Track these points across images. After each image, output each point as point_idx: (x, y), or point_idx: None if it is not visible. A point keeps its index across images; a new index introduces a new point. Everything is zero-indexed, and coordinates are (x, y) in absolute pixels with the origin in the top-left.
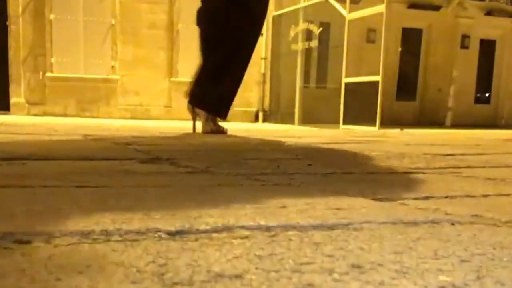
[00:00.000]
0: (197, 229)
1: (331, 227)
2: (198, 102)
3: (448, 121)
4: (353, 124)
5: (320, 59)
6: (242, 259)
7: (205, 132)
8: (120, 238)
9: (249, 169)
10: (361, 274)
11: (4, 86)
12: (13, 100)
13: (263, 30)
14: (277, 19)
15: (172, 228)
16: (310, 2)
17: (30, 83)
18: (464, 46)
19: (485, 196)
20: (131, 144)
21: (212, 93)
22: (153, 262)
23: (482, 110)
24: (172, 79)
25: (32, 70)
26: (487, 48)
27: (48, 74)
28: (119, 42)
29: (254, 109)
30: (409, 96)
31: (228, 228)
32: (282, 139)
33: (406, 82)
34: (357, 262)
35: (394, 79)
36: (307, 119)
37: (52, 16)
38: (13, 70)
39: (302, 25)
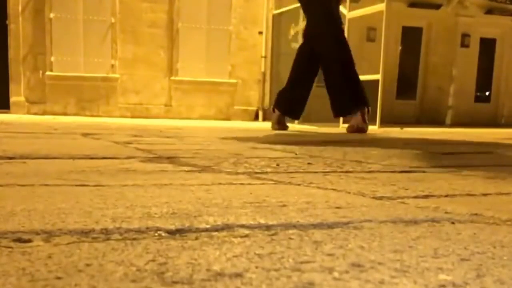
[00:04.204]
0: (197, 228)
1: (331, 226)
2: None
3: (448, 120)
4: None
5: None
6: (242, 258)
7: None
8: (120, 237)
9: (249, 168)
10: (361, 272)
11: (4, 85)
12: (13, 99)
13: (263, 29)
14: (277, 18)
15: (172, 227)
16: None
17: (30, 82)
18: (464, 44)
19: (485, 195)
20: (131, 143)
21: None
22: (153, 261)
23: (482, 109)
24: (172, 78)
25: (32, 69)
26: (487, 46)
27: (48, 72)
28: (119, 41)
29: (254, 108)
30: (409, 94)
31: (228, 227)
32: (282, 138)
33: (406, 81)
34: (357, 261)
35: (394, 77)
36: (307, 117)
37: (52, 15)
38: (13, 69)
39: (302, 24)
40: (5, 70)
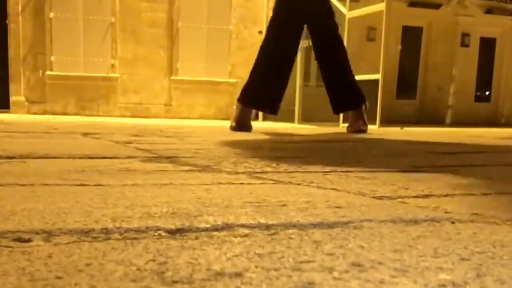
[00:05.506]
0: (197, 228)
1: (331, 226)
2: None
3: (448, 120)
4: None
5: None
6: (242, 257)
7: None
8: (120, 237)
9: (249, 167)
10: (361, 272)
11: (4, 85)
12: (13, 98)
13: (263, 29)
14: None
15: (172, 227)
16: None
17: (30, 82)
18: (464, 44)
19: (485, 194)
20: (131, 143)
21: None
22: (153, 260)
23: (482, 108)
24: (172, 77)
25: (32, 68)
26: (487, 46)
27: (48, 72)
28: (119, 41)
29: None
30: (409, 94)
31: (228, 227)
32: (282, 138)
33: (406, 81)
34: (357, 260)
35: (394, 77)
36: (307, 117)
37: (52, 14)
38: (13, 69)
39: None
40: (5, 69)
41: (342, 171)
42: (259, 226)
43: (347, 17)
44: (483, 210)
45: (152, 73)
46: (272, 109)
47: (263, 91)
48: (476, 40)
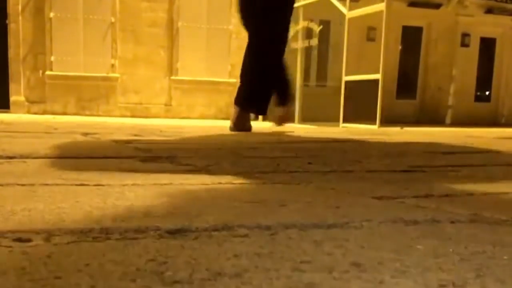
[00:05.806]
0: (197, 227)
1: (331, 226)
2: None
3: (448, 120)
4: (353, 123)
5: (320, 57)
6: (242, 257)
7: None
8: (120, 236)
9: (249, 167)
10: (361, 272)
11: (4, 85)
12: (13, 98)
13: None
14: None
15: (172, 227)
16: (310, 0)
17: (30, 82)
18: (464, 44)
19: (485, 194)
20: (131, 143)
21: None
22: (153, 260)
23: (482, 108)
24: (172, 77)
25: (32, 68)
26: (487, 46)
27: (48, 72)
28: (119, 40)
29: None
30: (409, 94)
31: (228, 227)
32: (282, 138)
33: (406, 81)
34: (357, 260)
35: (394, 77)
36: (307, 117)
37: (52, 14)
38: (13, 69)
39: (302, 23)
40: (5, 69)
41: (342, 171)
42: (259, 226)
43: (347, 17)
44: (483, 210)
45: (152, 73)
46: (259, 109)
47: (250, 92)
48: (476, 40)
